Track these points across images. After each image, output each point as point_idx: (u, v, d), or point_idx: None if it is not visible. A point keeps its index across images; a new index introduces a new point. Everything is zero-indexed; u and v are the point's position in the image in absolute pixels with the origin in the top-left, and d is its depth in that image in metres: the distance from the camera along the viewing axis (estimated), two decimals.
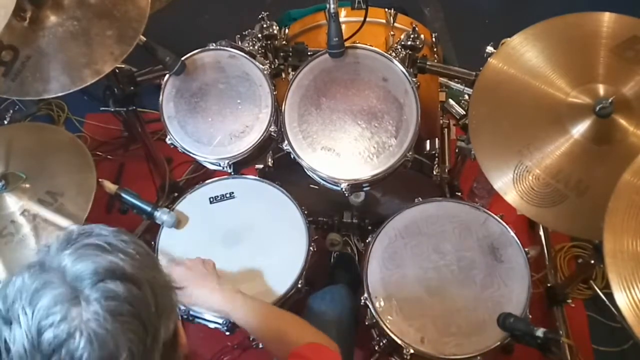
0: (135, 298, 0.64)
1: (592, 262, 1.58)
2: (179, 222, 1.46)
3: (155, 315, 0.65)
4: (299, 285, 1.38)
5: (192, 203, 1.50)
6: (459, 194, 1.86)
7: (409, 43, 1.51)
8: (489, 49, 1.37)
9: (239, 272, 1.40)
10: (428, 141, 1.60)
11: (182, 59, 1.46)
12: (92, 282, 0.63)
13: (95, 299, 0.62)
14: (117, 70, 1.62)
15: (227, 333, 1.37)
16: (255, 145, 1.46)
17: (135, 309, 0.63)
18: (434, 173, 1.57)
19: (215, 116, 1.49)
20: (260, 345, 1.63)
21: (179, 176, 2.15)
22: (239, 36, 1.63)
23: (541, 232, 1.97)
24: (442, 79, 2.13)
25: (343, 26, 1.37)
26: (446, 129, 1.86)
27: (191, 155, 1.49)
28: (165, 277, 0.71)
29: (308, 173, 1.46)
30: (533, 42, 1.30)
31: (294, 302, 1.42)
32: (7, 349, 0.63)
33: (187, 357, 0.76)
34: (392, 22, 1.70)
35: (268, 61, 1.56)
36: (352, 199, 1.66)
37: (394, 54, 1.49)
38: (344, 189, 1.41)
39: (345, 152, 1.41)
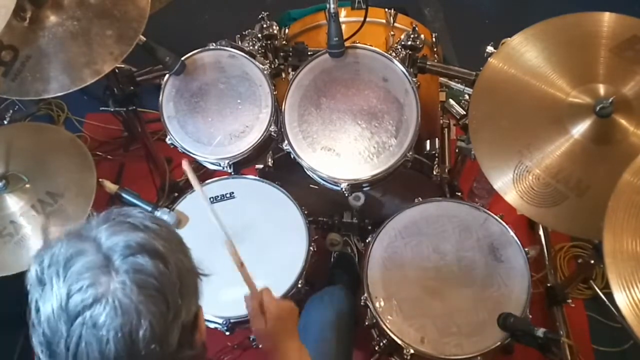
0: (161, 275, 0.66)
1: (592, 262, 1.57)
2: (179, 222, 1.46)
3: (178, 294, 0.68)
4: (299, 286, 1.38)
5: (192, 203, 1.50)
6: (459, 194, 1.86)
7: (409, 43, 1.50)
8: (489, 49, 1.37)
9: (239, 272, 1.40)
10: (428, 141, 1.60)
11: (182, 59, 1.46)
12: (124, 254, 0.66)
13: (125, 270, 0.65)
14: (117, 70, 1.62)
15: (227, 333, 1.37)
16: (255, 145, 1.46)
17: (160, 284, 0.66)
18: (434, 173, 1.57)
19: (215, 116, 1.49)
20: (260, 345, 1.63)
21: (179, 176, 2.14)
22: (239, 36, 1.63)
23: (541, 232, 1.97)
24: (442, 79, 2.12)
25: (343, 26, 1.38)
26: (446, 129, 1.87)
27: (191, 155, 1.49)
28: (193, 263, 0.74)
29: (308, 173, 1.46)
30: (533, 42, 1.30)
31: (294, 302, 1.41)
32: (37, 308, 0.66)
33: (205, 345, 0.79)
34: (392, 22, 1.70)
35: (268, 61, 1.56)
36: (352, 202, 1.65)
37: (394, 54, 1.49)
38: (344, 189, 1.41)
39: (345, 152, 1.41)
